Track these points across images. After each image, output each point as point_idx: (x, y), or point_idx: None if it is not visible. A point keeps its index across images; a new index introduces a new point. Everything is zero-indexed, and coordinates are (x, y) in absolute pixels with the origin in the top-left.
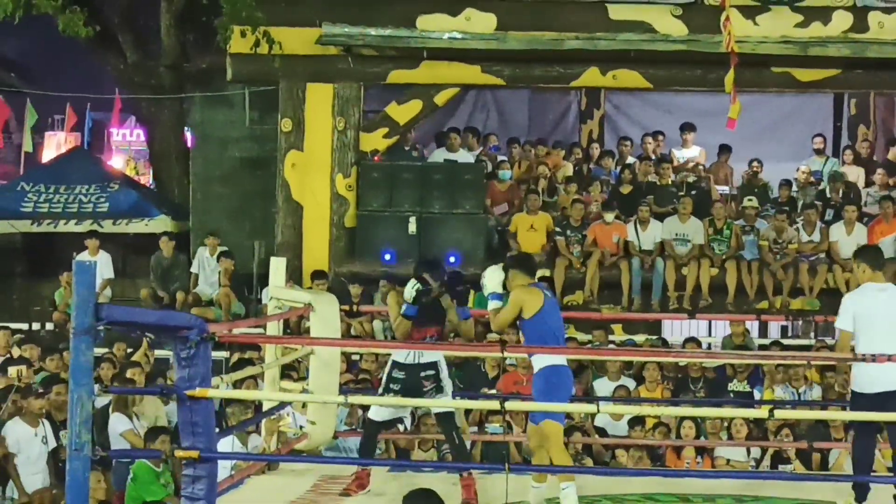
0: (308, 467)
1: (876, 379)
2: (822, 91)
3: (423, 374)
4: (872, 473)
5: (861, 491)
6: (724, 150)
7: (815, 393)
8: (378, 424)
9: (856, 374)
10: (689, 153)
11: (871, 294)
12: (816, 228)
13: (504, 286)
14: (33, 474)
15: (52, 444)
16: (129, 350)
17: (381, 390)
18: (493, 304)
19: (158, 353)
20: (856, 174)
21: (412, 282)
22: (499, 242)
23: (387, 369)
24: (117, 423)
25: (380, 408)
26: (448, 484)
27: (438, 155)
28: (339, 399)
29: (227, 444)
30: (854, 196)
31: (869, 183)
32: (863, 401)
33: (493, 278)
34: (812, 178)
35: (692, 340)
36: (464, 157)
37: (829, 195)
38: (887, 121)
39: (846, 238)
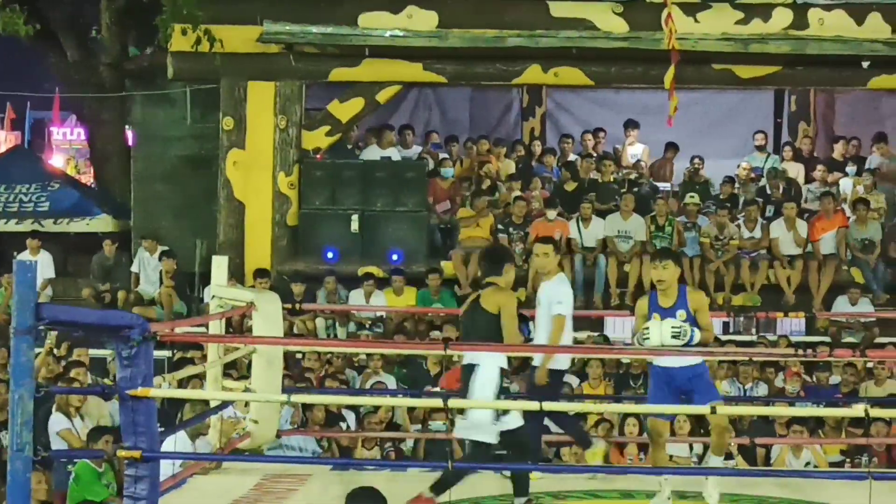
0: (252, 466)
1: None
2: (763, 88)
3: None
4: (814, 468)
5: None
6: (671, 147)
7: (762, 390)
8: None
9: None
10: (633, 150)
11: None
12: (757, 225)
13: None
14: None
15: None
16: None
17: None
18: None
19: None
20: (796, 170)
21: None
22: (441, 240)
23: (497, 377)
24: (55, 423)
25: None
26: (392, 482)
27: (373, 152)
28: (282, 398)
29: (172, 443)
30: (795, 192)
31: (809, 179)
32: None
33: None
34: (753, 175)
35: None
36: (398, 154)
37: (769, 192)
38: (827, 117)
39: (786, 234)
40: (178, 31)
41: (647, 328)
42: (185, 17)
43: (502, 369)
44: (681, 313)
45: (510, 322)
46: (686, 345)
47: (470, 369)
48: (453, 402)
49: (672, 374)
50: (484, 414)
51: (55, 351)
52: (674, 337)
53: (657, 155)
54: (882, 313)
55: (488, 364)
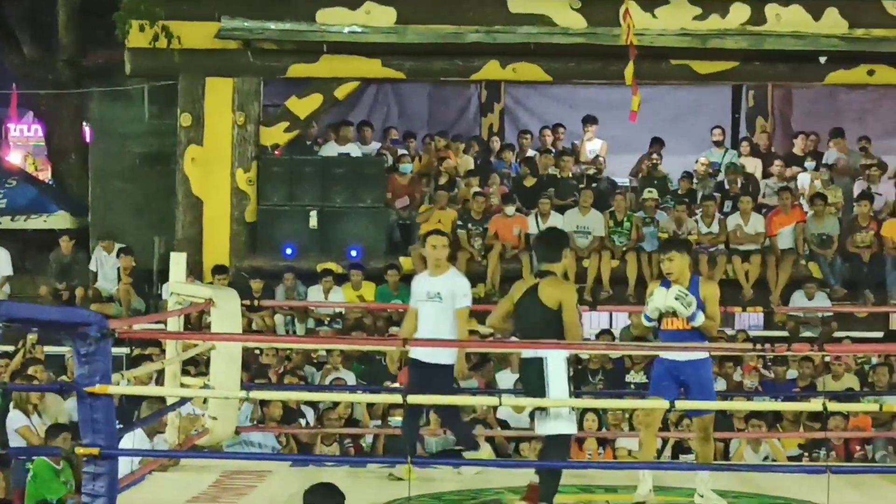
0: (210, 463)
1: None
2: (721, 83)
3: None
4: (772, 462)
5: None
6: (656, 142)
7: (720, 384)
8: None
9: None
10: (591, 146)
11: None
12: (715, 220)
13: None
14: None
15: None
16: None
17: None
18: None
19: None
20: (754, 165)
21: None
22: (400, 236)
23: (565, 368)
24: (13, 420)
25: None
26: (352, 478)
27: (331, 148)
28: (241, 394)
29: (130, 440)
30: (752, 187)
31: (767, 174)
32: None
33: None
34: (711, 170)
35: (606, 332)
36: (357, 150)
37: (727, 186)
38: (785, 112)
39: (744, 228)
40: (136, 27)
41: (653, 293)
42: (143, 14)
43: (567, 359)
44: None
45: (573, 318)
46: (689, 318)
47: (533, 363)
48: (413, 399)
49: (678, 367)
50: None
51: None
52: (677, 299)
53: (616, 150)
54: (839, 308)
55: (554, 356)
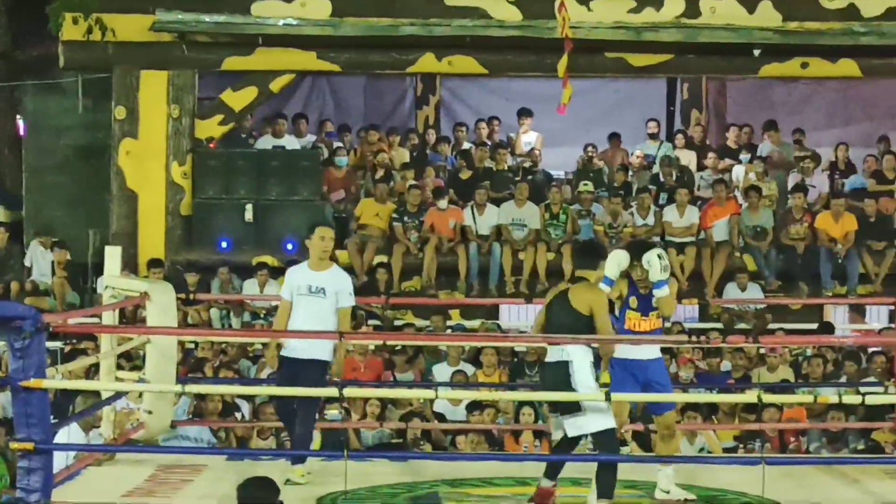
0: (146, 457)
1: None
2: (656, 76)
3: None
4: (708, 454)
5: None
6: (614, 137)
7: None
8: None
9: None
10: (527, 138)
11: None
12: (650, 212)
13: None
14: None
15: None
16: None
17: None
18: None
19: None
20: (688, 158)
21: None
22: (336, 229)
23: (592, 368)
24: None
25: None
26: (288, 472)
27: (266, 141)
28: (177, 388)
29: (65, 434)
30: (687, 180)
31: (701, 167)
32: None
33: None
34: (646, 163)
35: None
36: (292, 143)
37: (662, 179)
38: (719, 105)
39: (679, 221)
40: (70, 20)
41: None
42: (77, 6)
43: (591, 361)
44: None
45: (605, 322)
46: (656, 285)
47: (558, 366)
48: (348, 392)
49: (642, 365)
50: (600, 405)
51: None
52: (658, 256)
53: (552, 143)
54: (774, 300)
55: (581, 358)
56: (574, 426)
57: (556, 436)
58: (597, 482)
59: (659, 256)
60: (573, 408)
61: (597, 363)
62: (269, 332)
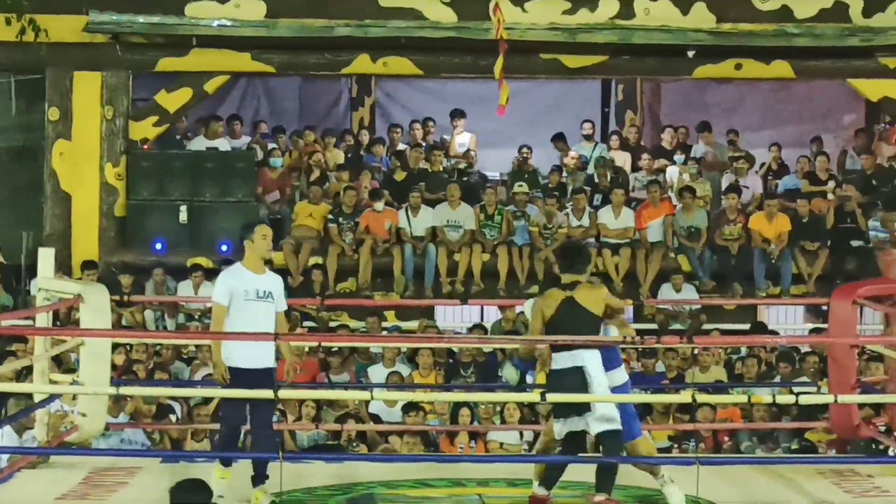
0: (80, 460)
1: None
2: (590, 77)
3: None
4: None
5: None
6: (559, 137)
7: None
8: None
9: None
10: (461, 139)
11: None
12: (585, 213)
13: None
14: None
15: None
16: None
17: None
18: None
19: None
20: (623, 159)
21: None
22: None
23: (603, 371)
24: None
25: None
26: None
27: (200, 143)
28: (111, 390)
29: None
30: (622, 181)
31: (636, 168)
32: None
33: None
34: (581, 164)
35: (478, 326)
36: (226, 144)
37: (597, 180)
38: (653, 106)
39: (614, 222)
40: (2, 20)
41: None
42: (9, 6)
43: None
44: None
45: (621, 309)
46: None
47: (573, 372)
48: (283, 393)
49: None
50: (609, 407)
51: None
52: None
53: (486, 145)
54: (708, 300)
55: (593, 362)
56: (597, 423)
57: (560, 435)
58: (599, 481)
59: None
60: (585, 408)
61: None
62: (211, 335)
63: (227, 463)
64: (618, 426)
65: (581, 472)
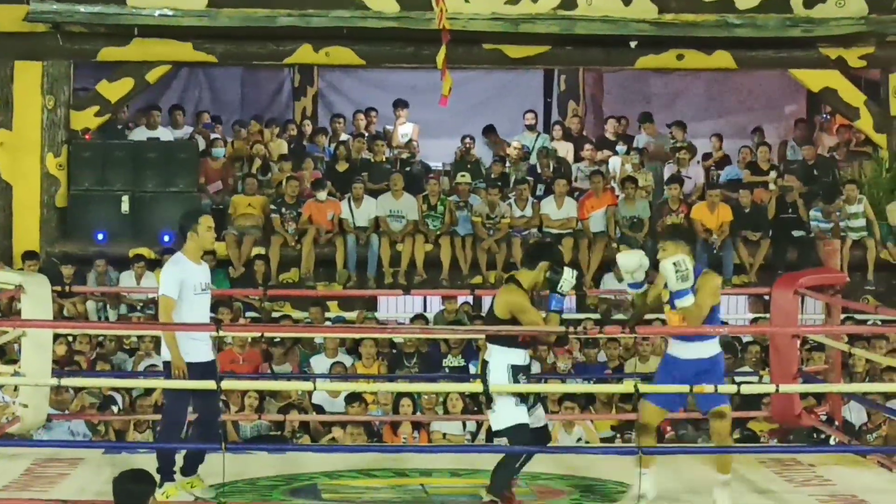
0: (21, 451)
1: None
2: (533, 67)
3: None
4: (585, 444)
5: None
6: (490, 130)
7: (535, 367)
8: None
9: None
10: (403, 130)
11: None
12: (528, 203)
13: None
14: None
15: None
16: None
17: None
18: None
19: None
20: (566, 149)
21: (569, 270)
22: (213, 221)
23: (508, 376)
24: None
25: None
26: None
27: (142, 133)
28: (53, 381)
29: None
30: (564, 171)
31: (579, 158)
32: None
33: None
34: (524, 154)
35: (420, 317)
36: (167, 134)
37: (540, 170)
38: (596, 96)
39: (557, 212)
40: None
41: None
42: None
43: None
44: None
45: (531, 321)
46: (675, 294)
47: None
48: (226, 384)
49: (679, 364)
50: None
51: None
52: (674, 265)
53: (429, 135)
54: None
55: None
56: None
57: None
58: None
59: (675, 264)
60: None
61: None
62: (162, 328)
63: (188, 472)
64: (522, 419)
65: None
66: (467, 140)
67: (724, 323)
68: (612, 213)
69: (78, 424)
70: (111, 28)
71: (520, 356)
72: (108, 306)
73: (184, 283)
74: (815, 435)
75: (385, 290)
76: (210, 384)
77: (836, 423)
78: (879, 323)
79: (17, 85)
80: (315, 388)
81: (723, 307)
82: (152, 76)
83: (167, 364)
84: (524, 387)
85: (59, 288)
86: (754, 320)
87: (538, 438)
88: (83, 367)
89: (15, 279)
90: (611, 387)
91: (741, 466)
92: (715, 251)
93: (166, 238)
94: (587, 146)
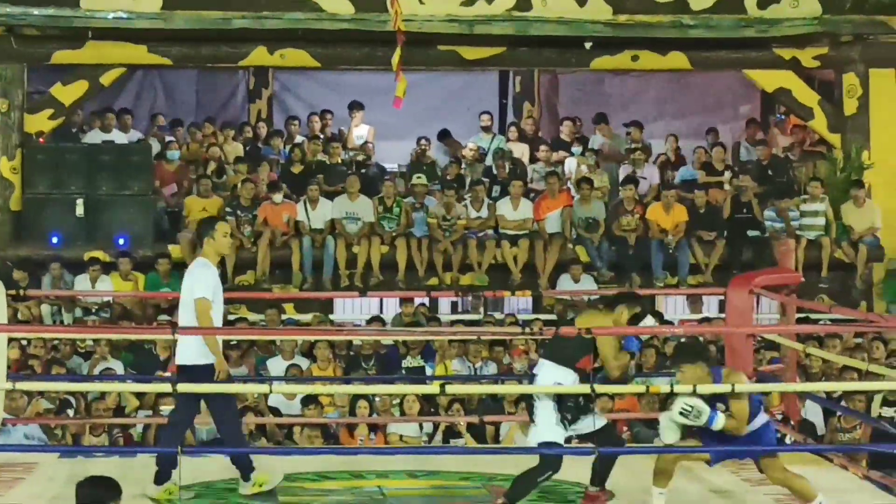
0: None
1: None
2: (488, 69)
3: None
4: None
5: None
6: (445, 134)
7: (491, 368)
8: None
9: None
10: (359, 131)
11: None
12: (484, 205)
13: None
14: None
15: None
16: None
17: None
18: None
19: None
20: (521, 151)
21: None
22: (169, 224)
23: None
24: None
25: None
26: (122, 468)
27: (96, 136)
28: (7, 385)
29: None
30: (520, 172)
31: (534, 159)
32: None
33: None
34: (479, 155)
35: (377, 319)
36: (121, 137)
37: (495, 172)
38: (551, 98)
39: (513, 213)
40: None
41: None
42: None
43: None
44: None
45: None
46: (703, 428)
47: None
48: (182, 387)
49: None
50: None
51: None
52: (682, 415)
53: (384, 136)
54: (606, 290)
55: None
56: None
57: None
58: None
59: (682, 413)
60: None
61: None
62: (115, 330)
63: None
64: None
65: (478, 463)
66: (423, 142)
67: (761, 403)
68: (567, 214)
69: (33, 429)
70: (65, 31)
71: (569, 377)
72: (62, 310)
73: (215, 286)
74: None
75: (341, 292)
76: (162, 387)
77: (792, 422)
78: (829, 322)
79: None
80: (271, 391)
81: (679, 308)
82: (107, 79)
83: (184, 367)
84: (527, 388)
85: (13, 292)
86: (702, 320)
87: (607, 439)
88: (37, 370)
89: None
90: (568, 388)
91: (697, 466)
92: (670, 251)
93: (121, 241)
94: (542, 147)
